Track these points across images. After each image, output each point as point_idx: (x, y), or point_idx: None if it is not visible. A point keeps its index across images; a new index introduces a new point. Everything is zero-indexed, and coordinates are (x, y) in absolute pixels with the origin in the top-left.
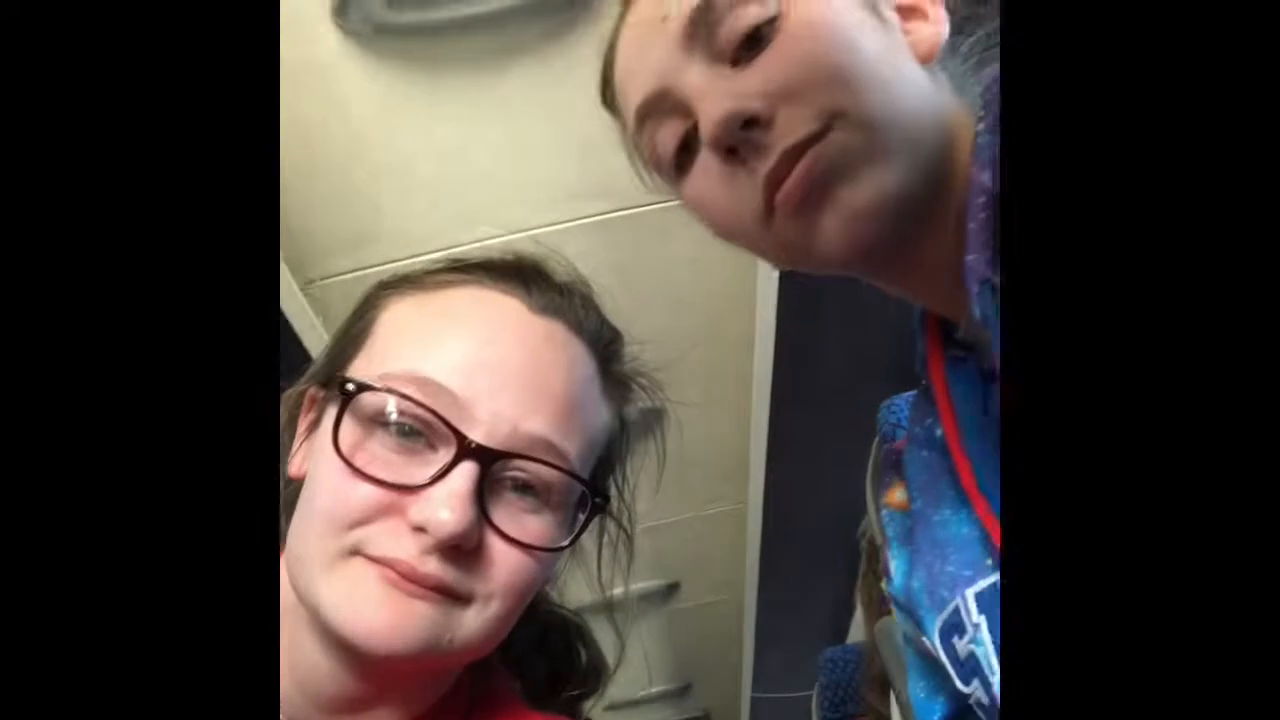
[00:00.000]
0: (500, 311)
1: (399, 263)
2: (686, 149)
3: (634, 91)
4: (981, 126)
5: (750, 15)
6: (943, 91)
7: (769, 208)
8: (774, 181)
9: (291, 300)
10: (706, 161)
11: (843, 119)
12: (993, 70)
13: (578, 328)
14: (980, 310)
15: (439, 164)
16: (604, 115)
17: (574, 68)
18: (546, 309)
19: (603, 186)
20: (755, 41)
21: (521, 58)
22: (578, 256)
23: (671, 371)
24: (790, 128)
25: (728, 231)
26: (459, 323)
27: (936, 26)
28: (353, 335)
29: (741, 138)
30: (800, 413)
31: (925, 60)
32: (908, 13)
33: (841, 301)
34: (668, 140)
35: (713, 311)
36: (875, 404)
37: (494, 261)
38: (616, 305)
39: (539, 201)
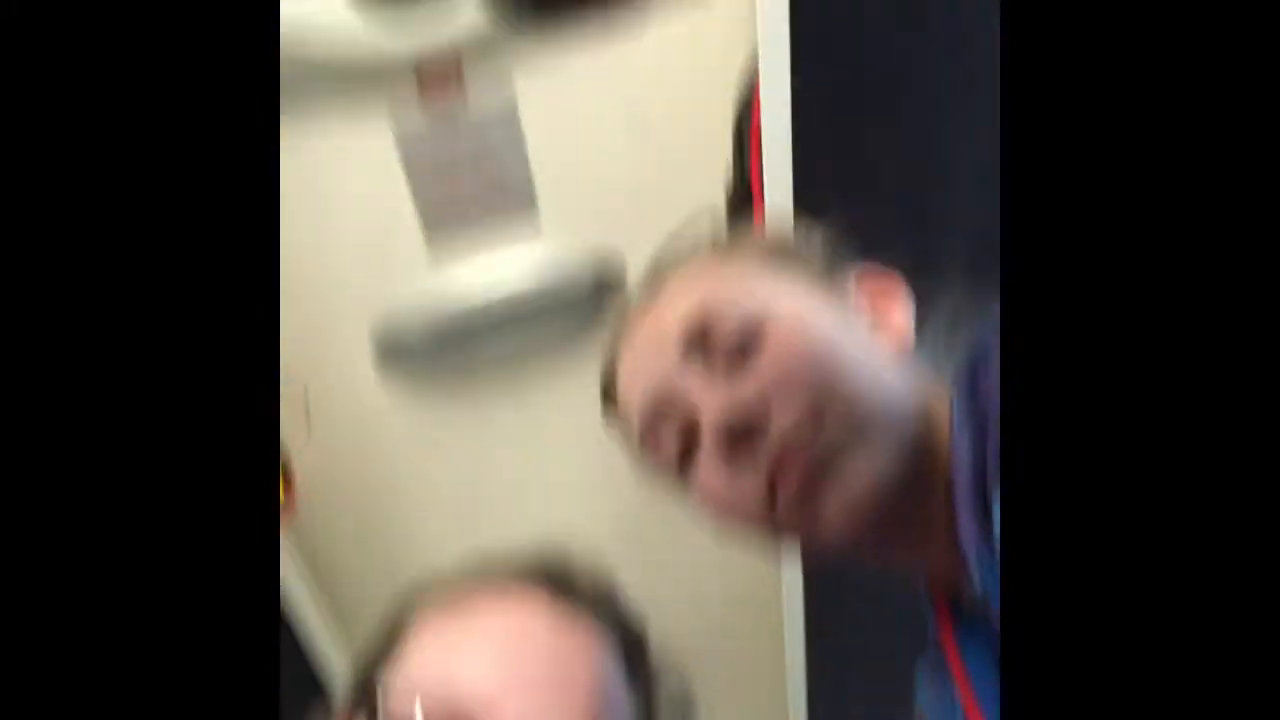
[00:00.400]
0: (525, 617)
1: None
2: (688, 446)
3: (637, 398)
4: (957, 400)
5: (740, 326)
6: (916, 372)
7: (772, 500)
8: (770, 477)
9: (321, 629)
10: (710, 460)
11: (832, 413)
12: (961, 342)
13: (601, 629)
14: (979, 577)
15: (465, 492)
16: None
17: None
18: (570, 611)
19: (625, 501)
20: (746, 348)
21: (547, 386)
22: (601, 557)
23: (699, 662)
24: (785, 426)
25: (735, 522)
26: (484, 632)
27: (902, 316)
28: (383, 649)
29: (742, 438)
30: (837, 693)
31: (898, 347)
32: (877, 306)
33: (869, 570)
34: (671, 442)
35: (738, 596)
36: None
37: (519, 565)
38: (639, 600)
39: (564, 520)
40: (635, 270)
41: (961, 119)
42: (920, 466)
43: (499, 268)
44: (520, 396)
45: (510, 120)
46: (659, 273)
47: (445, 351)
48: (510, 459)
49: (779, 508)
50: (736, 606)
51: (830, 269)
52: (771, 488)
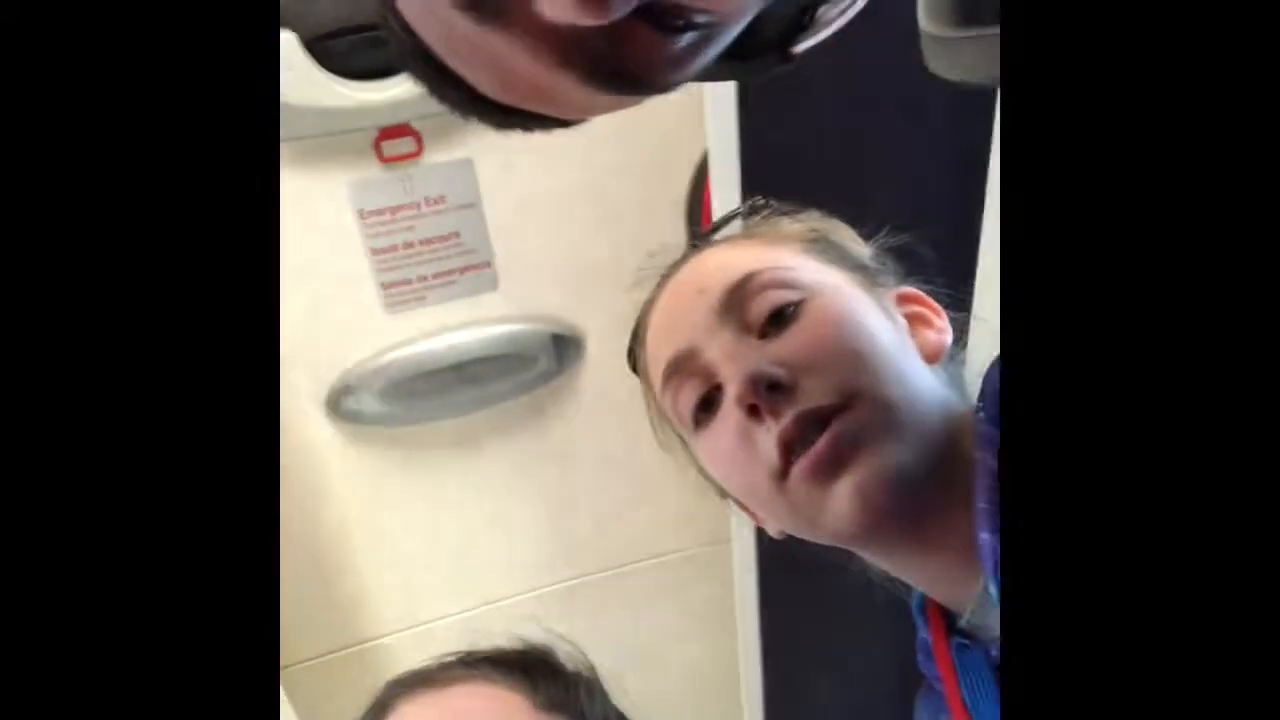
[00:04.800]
0: (503, 711)
1: (376, 641)
2: (706, 407)
3: (664, 349)
4: (982, 415)
5: (779, 297)
6: (946, 387)
7: (784, 469)
8: (784, 442)
9: None
10: (726, 417)
11: (860, 397)
12: (990, 366)
13: None
14: (995, 589)
15: (417, 541)
16: (572, 486)
17: (543, 444)
18: (551, 705)
19: (573, 552)
20: (780, 319)
21: (496, 437)
22: (555, 624)
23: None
24: (810, 396)
25: (738, 487)
26: None
27: (941, 334)
28: None
29: (764, 397)
30: None
31: (931, 361)
32: (915, 321)
33: (832, 635)
34: (689, 396)
35: (693, 671)
36: None
37: (503, 654)
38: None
39: (512, 570)
40: (592, 337)
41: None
42: (939, 469)
43: (454, 326)
44: (471, 454)
45: (467, 181)
46: (702, 242)
47: (398, 407)
48: (459, 516)
49: (790, 481)
50: (691, 674)
51: (875, 276)
52: (785, 456)
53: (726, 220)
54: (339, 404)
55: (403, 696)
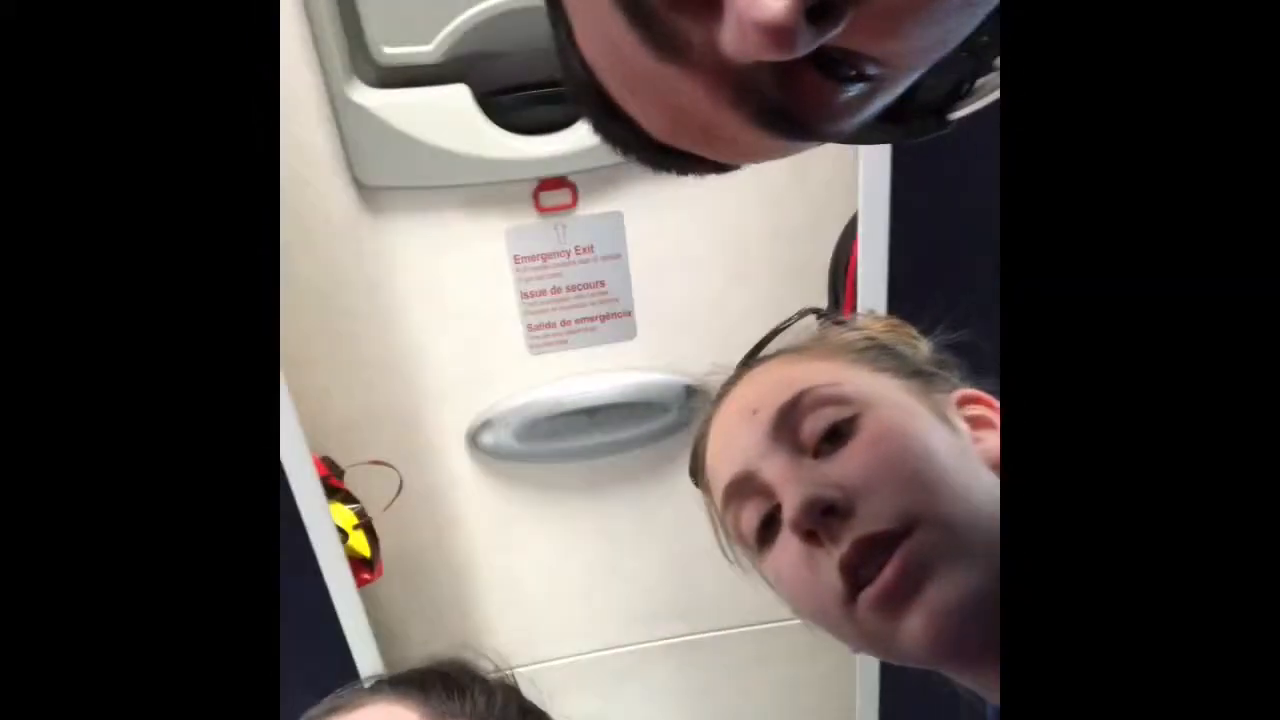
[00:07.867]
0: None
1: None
2: (768, 526)
3: (723, 472)
4: None
5: (831, 414)
6: None
7: (850, 595)
8: (847, 568)
9: None
10: (786, 541)
11: (921, 521)
12: None
13: None
14: None
15: (540, 579)
16: (694, 539)
17: (669, 495)
18: (443, 713)
19: (691, 607)
20: (835, 436)
21: (623, 484)
22: (666, 676)
23: None
24: (868, 520)
25: (807, 610)
26: None
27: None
28: None
29: (821, 522)
30: None
31: (996, 467)
32: (978, 423)
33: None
34: (751, 518)
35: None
36: None
37: (406, 673)
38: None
39: (629, 619)
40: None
41: None
42: None
43: (593, 371)
44: (597, 498)
45: (615, 233)
46: (758, 355)
47: (532, 446)
48: (582, 558)
49: (858, 608)
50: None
51: (933, 381)
52: (850, 582)
53: (773, 335)
54: (478, 438)
55: None
